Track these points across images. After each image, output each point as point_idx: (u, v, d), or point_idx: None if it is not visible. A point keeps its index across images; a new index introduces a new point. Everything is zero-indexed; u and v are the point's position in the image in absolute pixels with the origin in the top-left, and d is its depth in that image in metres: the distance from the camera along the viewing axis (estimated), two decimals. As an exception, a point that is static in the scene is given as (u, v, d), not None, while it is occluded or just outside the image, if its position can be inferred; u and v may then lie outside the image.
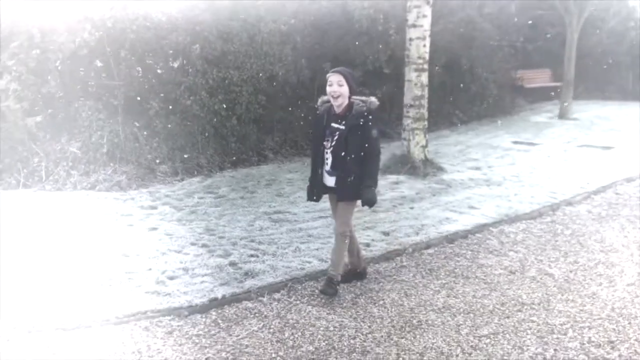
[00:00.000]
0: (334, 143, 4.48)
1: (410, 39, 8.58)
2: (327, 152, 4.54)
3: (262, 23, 9.24)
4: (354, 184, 4.45)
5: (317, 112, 4.66)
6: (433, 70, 15.16)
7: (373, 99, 4.50)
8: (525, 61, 20.90)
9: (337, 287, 4.67)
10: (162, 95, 8.49)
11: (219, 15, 8.69)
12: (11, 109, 7.19)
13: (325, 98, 4.58)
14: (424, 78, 8.68)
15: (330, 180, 4.58)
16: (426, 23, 8.51)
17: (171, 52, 8.61)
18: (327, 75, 4.45)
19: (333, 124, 4.49)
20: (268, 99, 9.76)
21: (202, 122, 8.85)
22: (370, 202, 4.48)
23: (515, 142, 12.63)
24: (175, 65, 8.79)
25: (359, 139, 4.38)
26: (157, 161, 8.06)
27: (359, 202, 4.58)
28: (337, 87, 4.38)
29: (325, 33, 12.38)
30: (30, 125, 7.36)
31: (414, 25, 8.50)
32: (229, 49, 8.84)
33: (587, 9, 15.48)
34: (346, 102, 4.43)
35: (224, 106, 9.01)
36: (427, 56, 8.65)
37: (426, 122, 8.89)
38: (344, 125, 4.43)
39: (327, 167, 4.57)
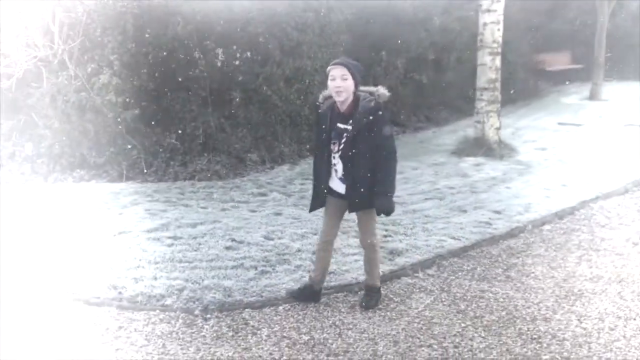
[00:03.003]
0: (342, 146, 3.93)
1: (485, 24, 8.80)
2: (334, 157, 3.99)
3: (332, 14, 9.41)
4: (369, 191, 3.92)
5: (319, 109, 4.05)
6: (470, 55, 15.47)
7: (382, 89, 3.90)
8: (545, 44, 21.19)
9: (380, 295, 4.38)
10: (242, 86, 8.65)
11: (294, 6, 8.85)
12: (112, 103, 7.34)
13: (326, 93, 4.00)
14: (498, 61, 8.91)
15: (340, 187, 4.04)
16: (500, 8, 8.73)
17: (249, 43, 8.75)
18: (328, 68, 3.88)
19: (339, 125, 3.92)
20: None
21: (279, 112, 9.03)
22: (386, 210, 3.93)
23: (560, 124, 12.86)
24: (250, 55, 8.93)
25: (370, 139, 3.85)
26: (244, 150, 8.23)
27: None
28: (340, 82, 3.80)
29: (368, 22, 12.57)
30: (128, 119, 7.50)
31: (489, 10, 8.72)
32: (303, 39, 9.02)
33: (618, -9, 15.73)
34: (351, 97, 3.88)
35: (298, 95, 9.19)
36: (500, 40, 8.88)
37: (499, 105, 9.13)
38: (351, 125, 3.87)
39: (338, 174, 4.02)
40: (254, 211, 6.44)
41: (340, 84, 3.81)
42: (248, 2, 8.61)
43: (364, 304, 4.31)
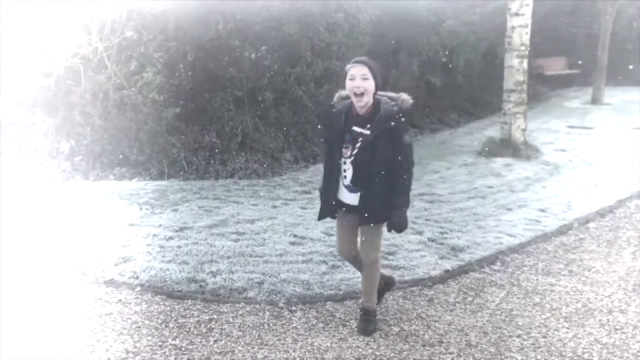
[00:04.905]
0: (355, 151, 3.59)
1: (513, 27, 8.99)
2: (345, 162, 3.66)
3: (360, 15, 9.54)
4: (382, 204, 3.61)
5: (333, 109, 3.70)
6: (476, 58, 15.74)
7: (405, 96, 3.61)
8: (541, 49, 21.54)
9: (376, 319, 3.98)
10: (273, 86, 8.73)
11: (327, 7, 8.96)
12: (155, 101, 7.37)
13: (343, 93, 3.68)
14: (525, 64, 9.11)
15: (349, 197, 3.70)
16: (528, 11, 8.93)
17: (282, 43, 8.83)
18: (348, 66, 3.59)
19: (355, 128, 3.58)
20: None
21: (308, 112, 9.13)
22: (399, 227, 3.62)
23: (570, 127, 13.13)
24: (281, 55, 9.01)
25: (389, 146, 3.53)
26: (278, 150, 8.31)
27: None
28: (360, 82, 3.48)
29: (388, 24, 12.72)
30: (169, 117, 7.54)
31: (517, 14, 8.91)
32: (333, 40, 9.13)
33: (621, -2, 16.10)
34: (371, 100, 3.56)
35: (327, 96, 9.29)
36: (528, 43, 9.08)
37: (526, 107, 9.33)
38: (369, 129, 3.55)
39: (346, 182, 3.68)
40: (304, 208, 6.53)
41: (360, 84, 3.49)
42: (284, 2, 8.68)
43: (361, 330, 3.90)
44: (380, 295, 4.20)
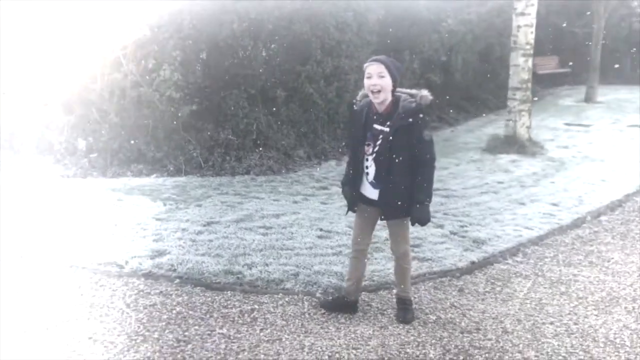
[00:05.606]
0: (376, 149, 3.68)
1: (518, 26, 9.20)
2: (367, 159, 3.75)
3: (368, 14, 9.68)
4: (404, 199, 3.69)
5: (355, 107, 3.81)
6: (473, 57, 15.96)
7: (425, 92, 3.65)
8: (535, 48, 21.82)
9: (412, 307, 4.10)
10: (283, 84, 8.85)
11: (337, 6, 9.09)
12: (171, 99, 7.46)
13: (365, 91, 3.73)
14: (530, 63, 9.32)
15: (372, 193, 3.79)
16: (533, 11, 9.14)
17: (293, 41, 8.95)
18: (365, 65, 3.66)
19: (375, 125, 3.68)
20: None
21: (319, 109, 9.25)
22: (422, 221, 3.73)
23: (568, 124, 13.39)
24: (292, 53, 9.12)
25: (408, 143, 3.60)
26: (290, 147, 8.44)
27: None
28: (377, 80, 3.55)
29: (392, 23, 12.86)
30: (185, 115, 7.63)
31: (523, 14, 9.12)
32: (343, 38, 9.26)
33: (614, -3, 16.40)
34: (389, 98, 3.63)
35: (337, 94, 9.43)
36: (533, 42, 9.29)
37: (530, 104, 9.54)
38: (388, 126, 3.63)
39: (369, 178, 3.77)
40: (325, 203, 6.67)
41: (376, 82, 3.55)
42: (295, 1, 8.79)
43: (401, 318, 4.02)
44: (333, 309, 4.14)
